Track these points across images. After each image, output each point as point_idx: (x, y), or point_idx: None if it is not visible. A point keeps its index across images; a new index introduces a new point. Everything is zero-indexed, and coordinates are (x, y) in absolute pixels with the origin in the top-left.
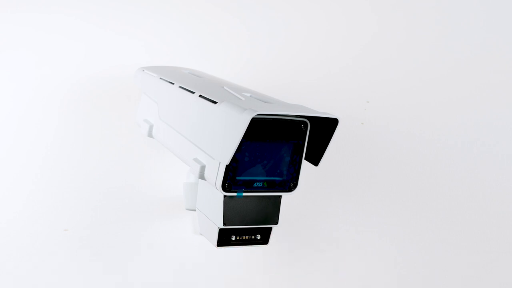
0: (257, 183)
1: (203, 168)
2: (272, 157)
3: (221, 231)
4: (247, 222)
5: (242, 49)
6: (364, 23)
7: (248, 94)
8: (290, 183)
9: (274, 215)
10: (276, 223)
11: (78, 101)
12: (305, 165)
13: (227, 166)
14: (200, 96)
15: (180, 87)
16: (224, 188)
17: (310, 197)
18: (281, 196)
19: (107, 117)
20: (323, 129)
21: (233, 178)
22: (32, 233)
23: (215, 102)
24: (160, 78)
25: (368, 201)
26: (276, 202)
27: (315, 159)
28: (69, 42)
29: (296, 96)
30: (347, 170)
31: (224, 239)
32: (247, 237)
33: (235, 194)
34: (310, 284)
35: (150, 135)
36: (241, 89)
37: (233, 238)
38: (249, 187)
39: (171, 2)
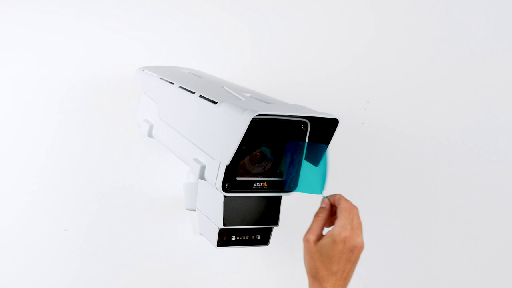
0: (257, 184)
1: (203, 168)
2: (272, 157)
3: (221, 231)
4: (247, 223)
5: (243, 49)
6: (364, 23)
7: (248, 94)
8: (290, 183)
9: (274, 215)
10: (276, 223)
11: (78, 101)
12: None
13: (227, 167)
14: (200, 96)
15: (180, 87)
16: (224, 188)
17: (310, 197)
18: (281, 196)
19: (107, 117)
20: (323, 129)
21: (233, 178)
22: (32, 233)
23: (215, 103)
24: (160, 78)
25: (368, 201)
26: (276, 203)
27: (315, 159)
28: (69, 42)
29: (296, 97)
30: (347, 170)
31: (224, 239)
32: (247, 238)
33: (236, 194)
34: None
35: (150, 135)
36: (241, 89)
37: (233, 238)
38: (249, 187)
39: (171, 2)
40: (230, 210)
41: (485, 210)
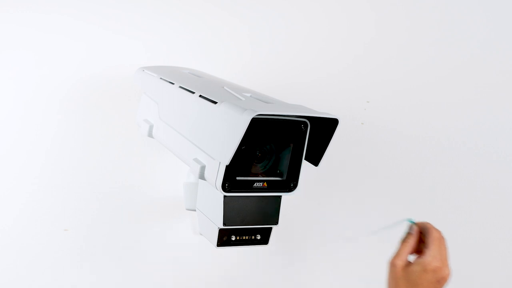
0: (257, 183)
1: (203, 168)
2: (272, 157)
3: (221, 231)
4: (247, 222)
5: (243, 49)
6: (364, 23)
7: (248, 94)
8: (290, 183)
9: (274, 215)
10: (276, 223)
11: (78, 101)
12: (305, 165)
13: (227, 166)
14: (200, 96)
15: (180, 87)
16: (224, 188)
17: (310, 197)
18: (281, 196)
19: (107, 117)
20: (323, 129)
21: (233, 178)
22: (32, 233)
23: (215, 102)
24: (160, 78)
25: (368, 201)
26: (276, 202)
27: (315, 159)
28: (69, 42)
29: (296, 96)
30: (347, 170)
31: (224, 239)
32: (247, 237)
33: (236, 194)
34: (310, 284)
35: (150, 135)
36: (241, 89)
37: (233, 238)
38: (249, 187)
39: (171, 2)
40: (230, 210)
41: (485, 210)
